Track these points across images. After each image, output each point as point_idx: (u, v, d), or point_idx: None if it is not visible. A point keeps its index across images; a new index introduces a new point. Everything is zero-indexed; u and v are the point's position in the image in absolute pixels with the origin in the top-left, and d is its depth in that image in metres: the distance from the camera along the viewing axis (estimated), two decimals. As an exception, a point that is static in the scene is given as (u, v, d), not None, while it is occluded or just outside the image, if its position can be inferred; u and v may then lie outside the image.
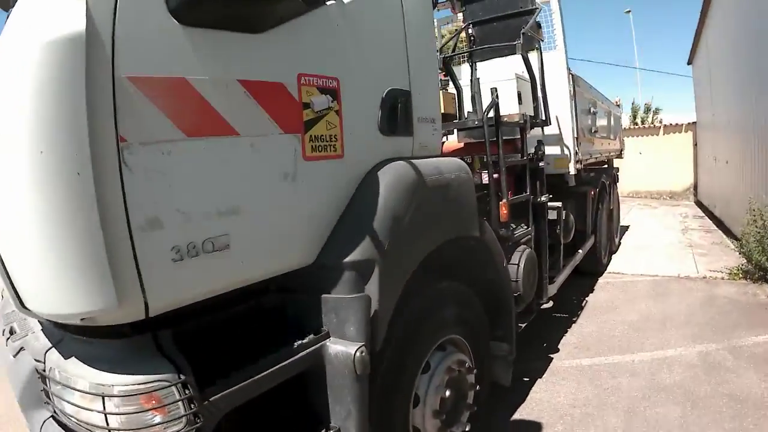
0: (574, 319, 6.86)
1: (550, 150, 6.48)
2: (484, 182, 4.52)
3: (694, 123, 19.11)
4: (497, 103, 4.38)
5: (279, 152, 2.22)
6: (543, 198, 5.19)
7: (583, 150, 7.23)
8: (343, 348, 2.26)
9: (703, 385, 4.75)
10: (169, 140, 1.80)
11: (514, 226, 4.82)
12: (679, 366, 5.20)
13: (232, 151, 2.03)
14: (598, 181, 8.47)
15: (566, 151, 6.53)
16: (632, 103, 24.79)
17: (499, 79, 5.46)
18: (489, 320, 3.84)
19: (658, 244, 10.98)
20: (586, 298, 7.70)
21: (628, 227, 13.18)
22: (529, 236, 5.04)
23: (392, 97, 2.82)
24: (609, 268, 9.27)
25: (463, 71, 6.06)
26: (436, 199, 3.03)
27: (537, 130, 6.09)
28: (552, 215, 5.98)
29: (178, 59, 1.85)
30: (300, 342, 2.26)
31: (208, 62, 1.93)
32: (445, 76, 5.48)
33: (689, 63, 19.41)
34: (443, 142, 5.41)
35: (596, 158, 8.84)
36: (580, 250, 7.39)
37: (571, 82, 6.56)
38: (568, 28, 8.77)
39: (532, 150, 5.24)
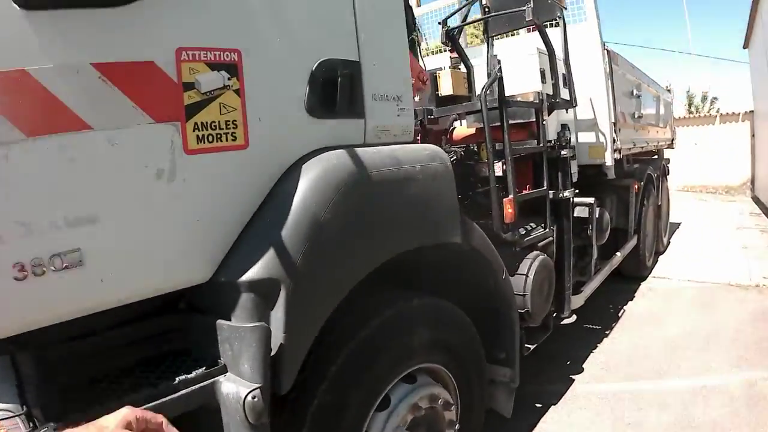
0: (607, 332, 5.97)
1: (584, 137, 5.59)
2: (495, 174, 3.72)
3: (752, 112, 17.52)
4: (500, 78, 3.54)
5: (148, 146, 1.78)
6: (567, 193, 4.30)
7: (623, 137, 6.26)
8: (234, 389, 1.79)
9: (742, 427, 3.86)
10: (5, 142, 1.51)
11: (528, 228, 3.99)
12: (717, 398, 4.29)
13: (83, 148, 1.65)
14: (643, 174, 7.47)
15: (602, 139, 5.60)
16: (687, 91, 23.19)
17: (520, 55, 4.62)
18: (489, 341, 3.18)
19: (710, 245, 9.79)
20: (624, 307, 6.75)
21: (679, 224, 11.98)
22: (548, 239, 4.19)
23: (328, 69, 2.22)
24: (654, 271, 8.24)
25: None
26: (390, 198, 2.37)
27: (568, 115, 5.23)
28: (582, 212, 5.08)
29: (18, 49, 1.55)
30: (185, 377, 1.81)
31: (54, 48, 1.61)
32: (452, 52, 4.64)
33: (745, 47, 17.81)
34: (452, 129, 4.60)
35: (642, 148, 7.81)
36: (618, 253, 6.44)
37: (607, 59, 5.61)
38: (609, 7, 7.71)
39: (555, 136, 4.35)
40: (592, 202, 5.09)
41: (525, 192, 3.96)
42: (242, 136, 1.95)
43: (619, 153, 5.77)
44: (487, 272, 3.11)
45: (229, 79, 1.89)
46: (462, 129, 4.71)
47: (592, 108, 5.53)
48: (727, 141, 17.97)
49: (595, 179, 6.13)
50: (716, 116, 18.66)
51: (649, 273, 8.06)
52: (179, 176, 1.80)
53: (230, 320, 1.89)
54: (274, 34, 2.08)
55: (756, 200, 15.55)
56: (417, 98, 5.20)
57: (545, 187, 4.12)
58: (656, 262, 8.67)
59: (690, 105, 22.85)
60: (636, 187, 7.02)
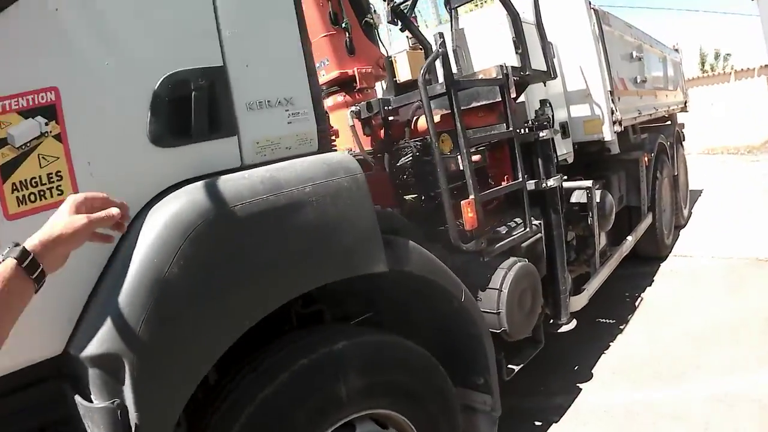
0: (622, 326, 5.26)
1: (577, 111, 4.86)
2: (453, 169, 3.06)
3: (767, 66, 16.40)
4: (444, 55, 2.85)
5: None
6: (551, 182, 3.59)
7: (624, 106, 5.50)
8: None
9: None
10: None
11: (506, 229, 3.31)
12: (743, 407, 3.56)
13: None
14: (654, 144, 6.69)
15: (598, 111, 4.87)
16: (700, 50, 22.00)
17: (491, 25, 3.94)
18: (464, 365, 2.82)
19: (735, 213, 8.86)
20: (642, 295, 5.99)
21: (700, 192, 11.06)
22: (532, 238, 3.49)
23: (176, 85, 1.81)
24: (675, 248, 7.43)
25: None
26: (264, 233, 1.87)
27: (556, 88, 4.51)
28: (580, 197, 4.37)
29: None
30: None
31: None
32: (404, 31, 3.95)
33: (752, -1, 16.66)
34: (416, 118, 3.92)
35: (650, 115, 7.00)
36: (629, 237, 5.69)
37: (595, 20, 4.84)
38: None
39: (533, 115, 3.64)
40: (590, 185, 4.37)
41: (492, 189, 3.25)
42: (69, 188, 1.61)
43: (620, 125, 5.01)
44: (441, 297, 2.51)
45: (46, 124, 1.58)
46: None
47: (583, 77, 4.80)
48: (744, 98, 16.84)
49: (598, 156, 5.40)
50: (731, 73, 17.53)
51: (670, 251, 7.26)
52: (4, 246, 1.38)
53: (89, 395, 1.62)
54: (99, 57, 1.69)
55: (781, 158, 14.56)
56: (384, 87, 4.58)
57: (520, 179, 3.39)
58: (677, 238, 7.86)
59: (703, 64, 21.69)
60: (646, 159, 6.26)
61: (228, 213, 1.75)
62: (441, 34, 2.88)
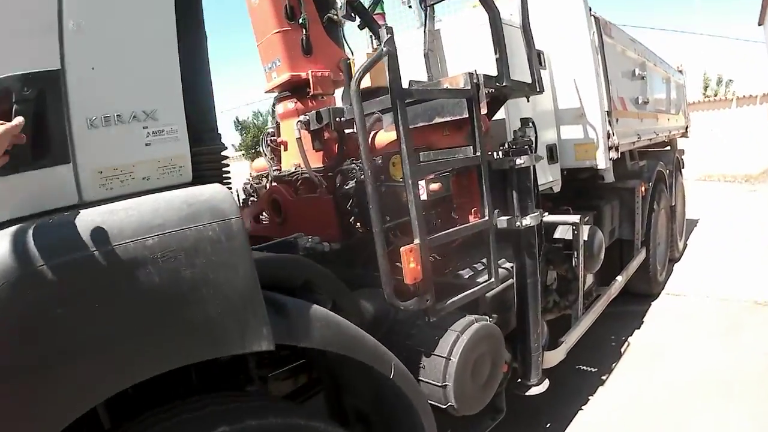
0: (604, 376, 4.61)
1: (568, 132, 4.18)
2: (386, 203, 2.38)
3: (770, 93, 15.75)
4: (391, 55, 2.17)
5: None
6: (528, 220, 2.88)
7: (622, 130, 4.83)
8: None
9: None
10: None
11: (459, 278, 2.64)
12: None
13: None
14: (652, 172, 6.01)
15: (592, 134, 4.18)
16: (704, 74, 21.35)
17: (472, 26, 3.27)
18: None
19: (732, 247, 8.19)
20: (629, 339, 5.32)
21: (697, 221, 10.39)
22: (501, 286, 2.82)
23: None
24: (668, 285, 6.75)
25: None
26: (87, 305, 1.31)
27: (544, 105, 3.84)
28: (565, 233, 3.70)
29: None
30: None
31: None
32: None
33: (760, 23, 16.03)
34: (375, 132, 3.24)
35: (650, 139, 6.34)
36: (619, 277, 5.00)
37: (595, 28, 4.15)
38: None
39: (511, 137, 2.97)
40: (578, 220, 3.67)
41: (448, 230, 2.55)
42: None
43: (617, 150, 4.32)
44: (362, 374, 1.95)
45: None
46: (384, 134, 3.30)
47: (578, 94, 4.12)
48: (745, 125, 16.16)
49: (590, 184, 4.72)
50: (732, 99, 16.85)
51: (662, 288, 6.58)
52: None
53: None
54: None
55: (779, 189, 13.88)
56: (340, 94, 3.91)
57: (486, 216, 2.70)
58: (671, 273, 7.18)
59: (706, 88, 21.05)
60: (643, 189, 5.59)
61: (35, 275, 1.24)
62: (390, 29, 2.18)
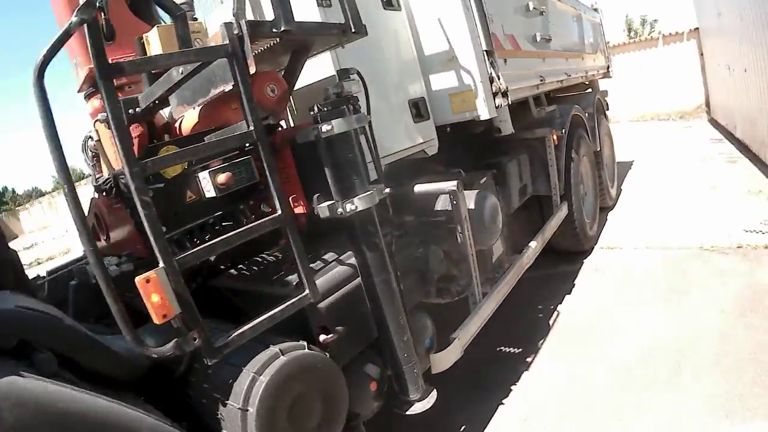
0: (529, 358, 3.93)
1: (441, 82, 3.33)
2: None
3: (697, 29, 15.12)
4: (89, 24, 1.34)
5: None
6: (357, 203, 2.05)
7: (516, 72, 4.01)
8: None
9: None
10: None
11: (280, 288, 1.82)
12: None
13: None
14: (566, 117, 5.24)
15: (468, 80, 3.33)
16: (626, 17, 20.73)
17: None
18: None
19: (671, 187, 7.57)
20: (559, 307, 4.60)
21: (631, 164, 9.75)
22: (342, 290, 2.05)
23: None
24: (602, 239, 6.05)
25: None
26: None
27: (406, 53, 3.01)
28: (444, 204, 2.90)
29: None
30: None
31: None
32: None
33: (684, -44, 15.40)
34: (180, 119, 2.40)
35: (560, 81, 5.57)
36: (533, 242, 4.23)
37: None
38: None
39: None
40: (455, 187, 2.85)
41: (203, 246, 1.71)
42: None
43: (505, 96, 3.47)
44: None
45: None
46: (191, 118, 2.41)
47: (445, 33, 3.26)
48: (674, 63, 15.58)
49: (489, 137, 3.92)
50: (658, 38, 16.23)
51: (595, 243, 5.88)
52: None
53: None
54: None
55: (714, 123, 13.31)
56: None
57: (278, 210, 1.85)
58: (605, 224, 6.49)
59: (630, 30, 20.46)
60: (555, 137, 4.81)
61: None
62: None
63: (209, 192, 1.96)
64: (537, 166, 4.75)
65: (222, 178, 1.94)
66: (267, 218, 1.91)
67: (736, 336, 3.52)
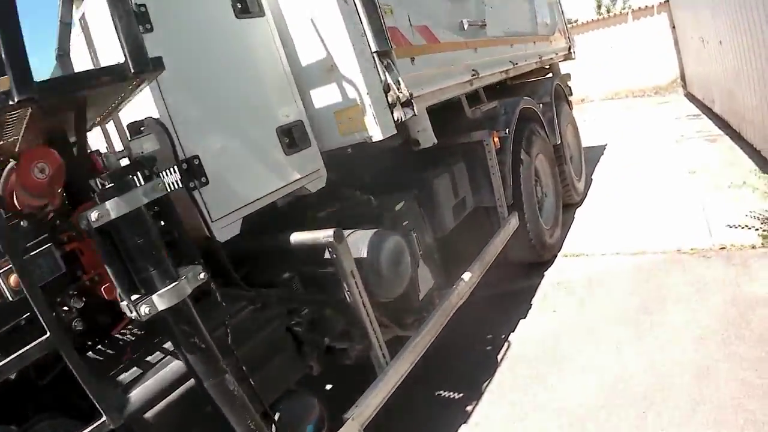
0: (470, 406, 3.29)
1: (324, 97, 2.62)
2: None
3: (668, 2, 14.34)
4: None
5: None
6: (147, 308, 1.42)
7: (432, 70, 3.30)
8: None
9: None
10: None
11: None
12: None
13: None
14: (511, 113, 4.51)
15: (352, 93, 2.61)
16: (593, -6, 19.89)
17: None
18: None
19: (646, 175, 6.83)
20: (510, 336, 3.91)
21: (604, 148, 9.05)
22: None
23: None
24: (567, 243, 5.35)
25: None
26: None
27: (273, 68, 2.34)
28: (323, 255, 2.21)
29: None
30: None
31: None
32: None
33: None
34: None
35: (505, 72, 4.86)
36: (466, 274, 3.52)
37: None
38: None
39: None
40: (331, 237, 2.15)
41: None
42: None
43: (410, 106, 2.74)
44: None
45: None
46: None
47: (320, 37, 2.54)
48: (646, 38, 14.77)
49: (407, 151, 3.25)
50: (627, 13, 15.42)
51: (558, 250, 5.18)
52: None
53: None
54: None
55: (690, 97, 12.58)
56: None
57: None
58: (570, 223, 5.79)
59: (599, 7, 19.63)
60: (496, 139, 4.09)
61: None
62: None
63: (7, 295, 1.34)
64: (478, 175, 4.06)
65: (13, 281, 1.32)
66: (33, 344, 1.31)
67: (717, 372, 2.86)
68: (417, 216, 3.19)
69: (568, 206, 6.08)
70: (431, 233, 3.35)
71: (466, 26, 3.92)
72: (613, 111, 13.08)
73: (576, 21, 16.01)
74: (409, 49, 3.05)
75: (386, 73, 2.65)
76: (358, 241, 2.38)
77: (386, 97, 2.63)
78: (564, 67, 7.73)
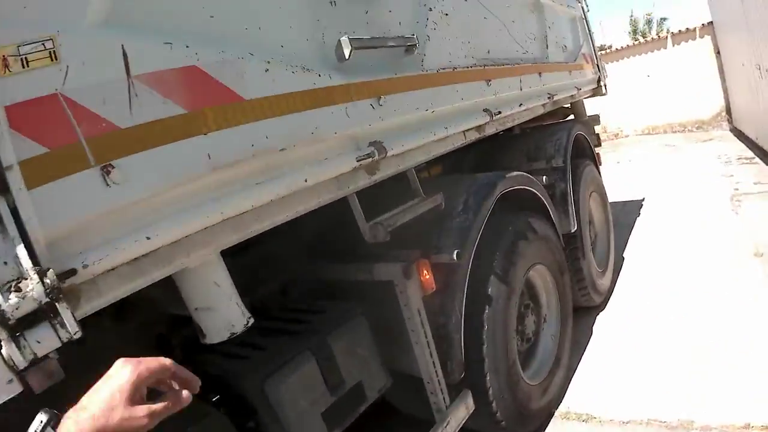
0: None
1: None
2: None
3: (711, 24, 11.84)
4: None
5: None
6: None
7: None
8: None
9: None
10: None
11: None
12: None
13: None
14: (475, 209, 2.32)
15: None
16: (630, 17, 17.40)
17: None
18: None
19: (694, 257, 4.54)
20: None
21: (641, 205, 6.70)
22: None
23: None
24: (571, 391, 3.11)
25: None
26: None
27: None
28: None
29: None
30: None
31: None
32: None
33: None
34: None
35: (476, 128, 2.71)
36: None
37: None
38: None
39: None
40: None
41: None
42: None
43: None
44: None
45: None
46: None
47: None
48: (687, 65, 12.25)
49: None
50: (667, 37, 12.91)
51: (555, 408, 2.95)
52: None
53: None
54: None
55: (738, 134, 10.08)
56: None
57: None
58: (587, 343, 3.59)
59: (634, 31, 17.16)
60: (426, 275, 1.91)
61: None
62: None
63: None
64: (388, 338, 1.89)
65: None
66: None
67: None
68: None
69: (583, 311, 3.88)
70: None
71: (347, 54, 1.74)
72: (650, 150, 10.67)
73: (609, 47, 13.63)
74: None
75: None
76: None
77: None
78: (591, 105, 5.51)
